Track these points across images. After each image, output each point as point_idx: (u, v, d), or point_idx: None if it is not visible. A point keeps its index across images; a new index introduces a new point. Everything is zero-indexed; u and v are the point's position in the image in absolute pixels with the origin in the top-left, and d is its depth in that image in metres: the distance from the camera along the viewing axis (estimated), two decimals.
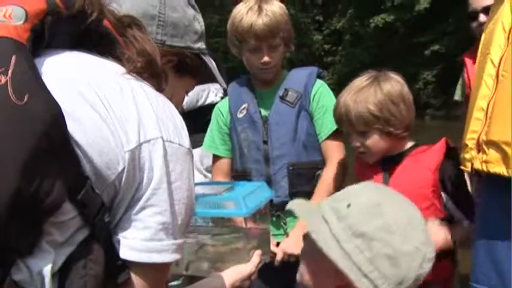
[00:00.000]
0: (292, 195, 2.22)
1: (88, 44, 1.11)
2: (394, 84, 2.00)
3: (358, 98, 1.97)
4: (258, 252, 1.50)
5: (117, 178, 0.96)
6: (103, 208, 0.96)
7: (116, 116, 0.97)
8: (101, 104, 0.97)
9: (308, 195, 2.18)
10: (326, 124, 2.28)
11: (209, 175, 3.59)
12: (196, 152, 3.08)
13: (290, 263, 2.12)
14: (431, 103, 25.94)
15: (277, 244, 2.23)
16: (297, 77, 2.39)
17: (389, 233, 1.10)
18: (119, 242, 0.99)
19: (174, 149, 1.02)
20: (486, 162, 1.60)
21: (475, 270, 1.71)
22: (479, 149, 1.63)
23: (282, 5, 2.31)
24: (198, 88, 3.26)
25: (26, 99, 0.87)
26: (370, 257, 1.12)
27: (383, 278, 1.09)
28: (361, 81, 2.04)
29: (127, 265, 0.99)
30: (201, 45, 1.36)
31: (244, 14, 2.25)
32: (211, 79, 1.44)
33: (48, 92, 0.91)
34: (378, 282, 1.09)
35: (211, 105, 2.86)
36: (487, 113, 1.63)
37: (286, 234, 2.26)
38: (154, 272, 1.03)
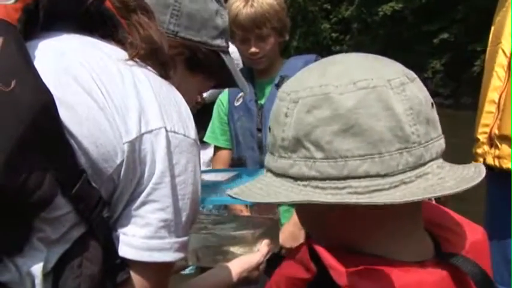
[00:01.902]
0: None
1: (89, 26, 1.05)
2: None
3: None
4: (266, 242, 1.45)
5: (115, 171, 0.91)
6: (101, 203, 0.90)
7: (114, 104, 0.91)
8: (99, 90, 0.92)
9: None
10: None
11: None
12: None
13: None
14: (440, 92, 25.82)
15: None
16: (294, 64, 2.35)
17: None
18: (118, 238, 0.94)
19: (179, 140, 0.96)
20: (499, 157, 1.54)
21: None
22: (491, 143, 1.58)
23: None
24: None
25: (12, 85, 0.81)
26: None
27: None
28: None
29: (127, 263, 0.94)
30: (220, 42, 1.27)
31: (232, 4, 2.24)
32: (233, 83, 1.32)
33: (38, 78, 0.85)
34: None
35: None
36: (499, 106, 1.58)
37: (280, 224, 2.22)
38: (156, 271, 0.97)
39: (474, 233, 0.94)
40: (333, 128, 0.78)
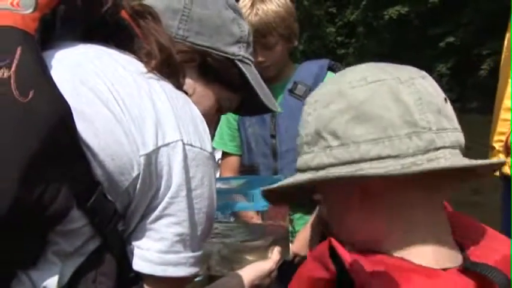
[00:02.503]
0: None
1: (104, 36, 1.03)
2: None
3: None
4: (277, 249, 1.42)
5: (131, 184, 0.89)
6: (116, 216, 0.89)
7: (131, 116, 0.89)
8: (115, 102, 0.90)
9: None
10: None
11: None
12: None
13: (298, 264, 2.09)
14: (446, 96, 25.74)
15: None
16: (307, 69, 2.31)
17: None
18: (132, 252, 0.92)
19: (195, 154, 0.94)
20: None
21: None
22: (507, 152, 1.54)
23: (283, 1, 2.20)
24: None
25: (30, 95, 0.80)
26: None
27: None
28: None
29: (141, 277, 0.92)
30: (237, 50, 1.20)
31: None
32: (257, 98, 1.22)
33: (56, 88, 0.84)
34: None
35: None
36: None
37: (293, 231, 2.20)
38: (170, 285, 0.95)
39: (503, 245, 0.92)
40: (347, 117, 0.83)
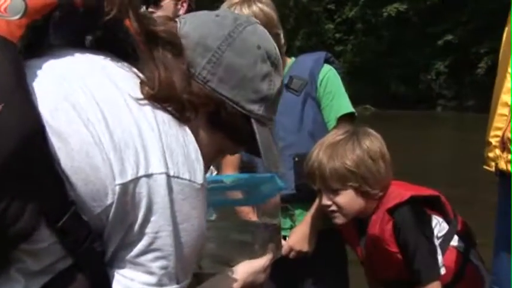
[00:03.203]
0: (299, 187, 2.13)
1: (106, 43, 0.97)
2: (374, 140, 1.85)
3: (333, 152, 1.83)
4: (271, 246, 1.40)
5: (103, 212, 0.84)
6: (90, 236, 0.85)
7: (113, 140, 0.84)
8: (98, 123, 0.84)
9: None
10: (334, 110, 2.17)
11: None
12: None
13: (295, 260, 2.07)
14: (443, 94, 25.79)
15: (284, 238, 2.16)
16: (303, 63, 2.28)
17: None
18: (114, 277, 0.88)
19: (182, 186, 0.89)
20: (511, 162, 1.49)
21: (497, 273, 1.63)
22: (503, 147, 1.52)
23: (265, 6, 2.14)
24: None
25: None
26: None
27: None
28: (336, 135, 1.90)
29: None
30: (257, 109, 1.08)
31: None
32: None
33: (29, 103, 0.80)
34: None
35: None
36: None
37: (293, 227, 2.18)
38: None
39: None
40: None
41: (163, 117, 0.91)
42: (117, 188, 0.83)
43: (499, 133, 1.54)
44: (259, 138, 1.09)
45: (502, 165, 1.52)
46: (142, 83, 0.91)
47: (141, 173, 0.85)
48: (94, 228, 0.85)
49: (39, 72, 0.87)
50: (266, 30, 1.12)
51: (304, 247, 2.02)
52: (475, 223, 2.27)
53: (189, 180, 0.90)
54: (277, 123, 2.20)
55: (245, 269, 1.28)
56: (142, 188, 0.85)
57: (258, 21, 1.13)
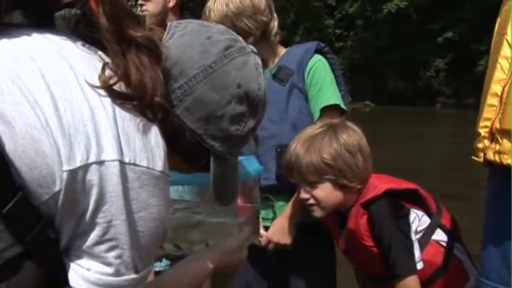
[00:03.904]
0: (280, 178, 2.12)
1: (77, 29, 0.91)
2: (352, 133, 1.84)
3: (310, 146, 1.83)
4: (247, 229, 1.39)
5: (51, 199, 0.80)
6: (41, 222, 0.81)
7: (62, 124, 0.80)
8: (47, 105, 0.80)
9: None
10: (320, 102, 2.14)
11: None
12: None
13: (283, 252, 2.08)
14: (443, 91, 25.80)
15: (267, 229, 2.16)
16: (293, 53, 2.25)
17: None
18: (70, 267, 0.85)
19: (139, 174, 0.85)
20: (499, 152, 1.48)
21: (485, 265, 1.61)
22: (492, 138, 1.51)
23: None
24: None
25: None
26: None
27: None
28: (314, 128, 1.89)
29: None
30: (218, 145, 1.03)
31: (210, 4, 2.14)
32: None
33: None
34: None
35: None
36: (501, 99, 1.50)
37: (275, 218, 2.18)
38: None
39: None
40: None
41: (122, 106, 0.87)
42: (65, 175, 0.80)
43: (488, 124, 1.52)
44: (213, 173, 1.06)
45: (490, 155, 1.50)
46: (105, 68, 0.86)
47: (92, 159, 0.81)
48: (45, 215, 0.81)
49: None
50: (260, 63, 1.06)
51: (282, 239, 2.02)
52: (472, 219, 2.26)
53: (147, 167, 0.86)
54: None
55: (219, 248, 1.25)
56: (93, 176, 0.81)
57: (255, 51, 1.06)
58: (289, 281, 2.14)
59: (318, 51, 2.17)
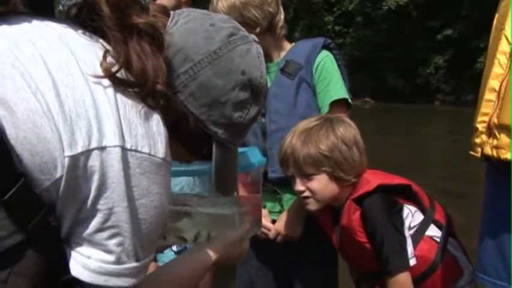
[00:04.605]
0: None
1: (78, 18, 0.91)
2: (348, 127, 1.85)
3: (307, 138, 1.82)
4: (248, 219, 1.37)
5: (53, 185, 0.80)
6: (43, 210, 0.80)
7: (63, 110, 0.79)
8: (48, 92, 0.80)
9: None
10: (329, 96, 2.17)
11: None
12: None
13: (286, 246, 2.08)
14: (442, 88, 25.79)
15: (273, 222, 2.16)
16: (301, 48, 2.27)
17: None
18: (71, 255, 0.84)
19: (140, 160, 0.84)
20: (497, 147, 1.48)
21: (481, 260, 1.61)
22: (490, 133, 1.51)
23: None
24: None
25: None
26: None
27: None
28: (309, 121, 1.89)
29: (78, 281, 0.85)
30: (221, 132, 1.03)
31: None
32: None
33: None
34: None
35: None
36: (499, 94, 1.51)
37: (282, 211, 2.19)
38: None
39: None
40: None
41: (124, 92, 0.87)
42: (67, 161, 0.79)
43: (486, 119, 1.53)
44: (215, 161, 1.05)
45: (488, 150, 1.51)
46: (106, 55, 0.86)
47: (93, 145, 0.80)
48: (47, 202, 0.80)
49: None
50: (261, 52, 1.06)
51: (291, 232, 2.03)
52: (471, 216, 2.26)
53: (149, 154, 0.85)
54: (270, 105, 2.22)
55: (221, 240, 1.23)
56: (94, 161, 0.80)
57: (256, 40, 1.06)
58: (292, 275, 2.15)
59: (325, 47, 2.19)
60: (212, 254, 1.18)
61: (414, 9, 26.25)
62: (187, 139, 1.03)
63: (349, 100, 2.14)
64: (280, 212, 2.12)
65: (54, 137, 0.78)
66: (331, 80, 2.13)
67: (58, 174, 0.79)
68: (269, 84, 2.19)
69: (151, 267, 0.98)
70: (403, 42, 26.02)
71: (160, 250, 2.06)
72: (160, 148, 0.87)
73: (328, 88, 2.12)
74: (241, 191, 1.56)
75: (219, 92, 1.00)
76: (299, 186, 1.83)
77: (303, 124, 1.87)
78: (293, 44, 2.26)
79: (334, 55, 2.21)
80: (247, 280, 2.26)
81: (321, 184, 1.80)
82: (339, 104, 2.11)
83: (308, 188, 1.81)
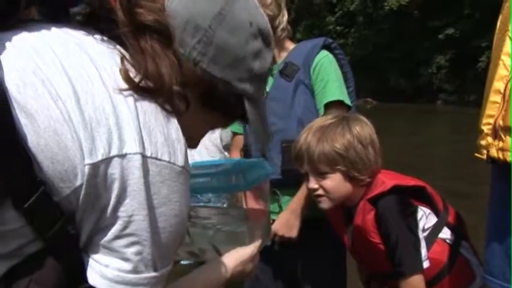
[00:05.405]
0: (285, 173, 2.12)
1: (90, 21, 0.91)
2: (364, 126, 1.83)
3: (323, 135, 1.81)
4: (259, 234, 1.37)
5: (73, 193, 0.79)
6: (62, 218, 0.80)
7: (83, 118, 0.79)
8: (68, 99, 0.80)
9: (302, 174, 2.08)
10: (326, 98, 2.15)
11: (226, 153, 3.61)
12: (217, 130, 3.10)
13: (292, 245, 2.08)
14: (444, 88, 25.75)
15: (273, 222, 2.16)
16: (299, 50, 2.25)
17: None
18: (89, 263, 0.84)
19: (160, 168, 0.84)
20: (502, 149, 1.47)
21: (488, 262, 1.60)
22: (495, 135, 1.51)
23: None
24: None
25: None
26: None
27: None
28: (326, 119, 1.88)
29: None
30: (248, 87, 1.06)
31: None
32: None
33: None
34: None
35: None
36: (504, 96, 1.50)
37: (280, 212, 2.19)
38: None
39: None
40: None
41: (143, 98, 0.87)
42: (87, 169, 0.79)
43: (491, 121, 1.52)
44: (250, 117, 1.08)
45: (493, 152, 1.50)
46: (125, 63, 0.86)
47: (114, 152, 0.80)
48: (66, 211, 0.80)
49: (8, 44, 0.82)
50: (257, 3, 1.10)
51: (288, 232, 2.03)
52: (476, 217, 2.25)
53: (169, 162, 0.85)
54: (269, 108, 2.21)
55: (233, 257, 1.23)
56: (114, 169, 0.80)
57: None
58: (297, 273, 2.15)
59: (326, 47, 2.17)
60: (226, 271, 1.19)
61: (415, 8, 26.22)
62: (221, 105, 1.05)
63: (346, 101, 2.12)
64: (278, 212, 2.12)
65: (74, 144, 0.78)
66: (328, 80, 2.11)
67: (78, 183, 0.78)
68: (269, 87, 2.20)
69: None
70: (405, 42, 26.00)
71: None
72: (180, 156, 0.86)
73: (324, 89, 2.11)
74: (249, 203, 1.55)
75: (235, 49, 1.02)
76: (313, 184, 1.81)
77: (319, 121, 1.85)
78: (295, 45, 2.26)
79: (336, 55, 2.19)
80: (253, 277, 2.26)
81: (335, 183, 1.79)
82: (336, 105, 2.09)
83: (322, 187, 1.80)
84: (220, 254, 1.30)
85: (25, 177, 0.76)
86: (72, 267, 0.83)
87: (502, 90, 1.51)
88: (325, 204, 1.82)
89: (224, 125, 1.17)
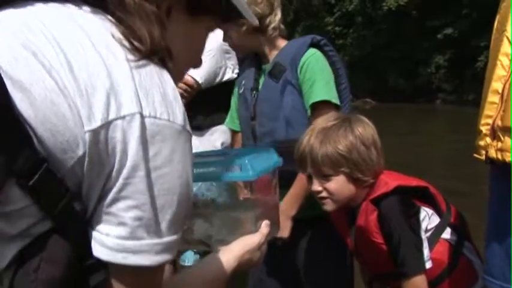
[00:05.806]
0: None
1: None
2: (366, 127, 1.84)
3: (325, 137, 1.80)
4: (266, 222, 1.34)
5: (77, 163, 0.78)
6: (67, 195, 0.78)
7: (78, 85, 0.78)
8: (61, 68, 0.78)
9: (293, 175, 2.06)
10: (312, 98, 2.10)
11: None
12: (216, 129, 3.10)
13: (294, 245, 2.10)
14: (443, 87, 25.74)
15: None
16: (287, 50, 2.24)
17: None
18: (92, 235, 0.82)
19: (160, 127, 0.81)
20: (501, 150, 1.47)
21: (488, 262, 1.60)
22: (494, 135, 1.50)
23: None
24: (214, 65, 3.14)
25: None
26: None
27: None
28: (327, 120, 1.87)
29: (103, 264, 0.82)
30: None
31: None
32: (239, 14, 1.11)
33: None
34: None
35: (231, 84, 2.77)
36: (502, 96, 1.50)
37: None
38: (135, 276, 0.84)
39: None
40: None
41: (137, 60, 0.85)
42: (87, 136, 0.77)
43: (490, 121, 1.52)
44: (236, 2, 1.05)
45: (492, 153, 1.50)
46: (116, 32, 0.86)
47: (112, 116, 0.78)
48: (71, 186, 0.79)
49: None
50: None
51: (281, 233, 2.01)
52: (475, 217, 2.24)
53: (168, 121, 0.82)
54: (258, 109, 2.22)
55: (240, 246, 1.22)
56: (115, 133, 0.79)
57: None
58: (300, 273, 2.15)
59: (314, 44, 2.15)
60: (235, 259, 1.17)
61: (414, 8, 26.21)
62: (211, 5, 1.03)
63: (334, 100, 2.08)
64: None
65: (72, 113, 0.77)
66: (315, 80, 2.08)
67: (81, 152, 0.77)
68: (260, 87, 2.20)
69: (167, 270, 0.95)
70: (404, 42, 25.98)
71: (181, 251, 2.04)
72: (179, 115, 0.85)
73: (311, 89, 2.09)
74: (257, 193, 1.54)
75: None
76: (316, 186, 1.81)
77: (321, 122, 1.85)
78: (284, 45, 2.25)
79: (326, 52, 2.17)
80: (256, 278, 2.26)
81: (339, 185, 1.79)
82: (322, 105, 2.07)
83: (325, 189, 1.80)
84: (227, 243, 1.29)
85: (27, 155, 0.75)
86: (81, 244, 0.81)
87: (500, 91, 1.51)
88: (329, 206, 1.82)
89: (215, 25, 1.12)
